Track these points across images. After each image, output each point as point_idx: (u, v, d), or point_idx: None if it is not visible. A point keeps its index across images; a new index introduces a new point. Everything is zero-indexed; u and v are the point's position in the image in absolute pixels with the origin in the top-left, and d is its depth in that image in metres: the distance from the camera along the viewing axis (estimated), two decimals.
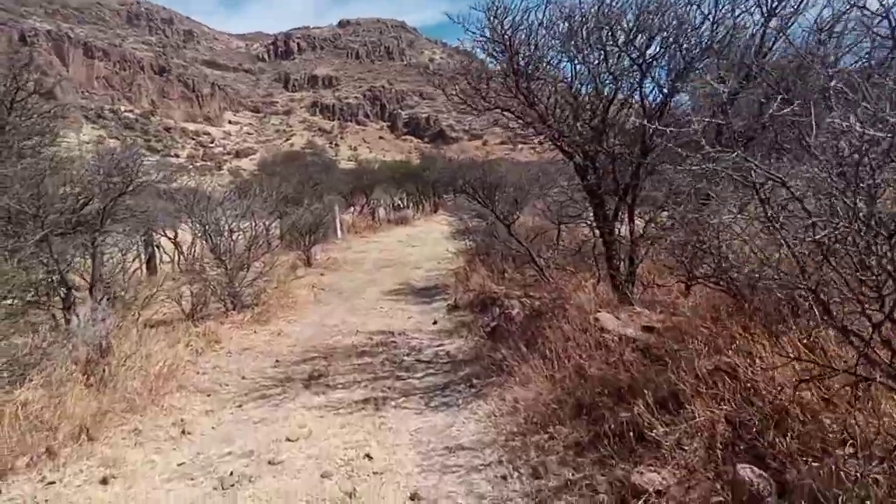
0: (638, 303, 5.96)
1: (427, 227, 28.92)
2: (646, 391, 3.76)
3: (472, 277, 10.64)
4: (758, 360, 3.42)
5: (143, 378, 5.98)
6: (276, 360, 7.55)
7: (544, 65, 5.43)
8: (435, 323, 9.24)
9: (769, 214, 2.65)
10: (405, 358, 7.23)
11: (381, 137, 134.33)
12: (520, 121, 5.92)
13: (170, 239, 14.48)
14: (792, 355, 3.15)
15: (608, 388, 4.21)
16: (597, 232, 7.38)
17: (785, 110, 3.22)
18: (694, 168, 3.12)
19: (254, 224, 11.21)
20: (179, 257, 14.09)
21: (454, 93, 5.81)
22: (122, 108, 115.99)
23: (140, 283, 9.53)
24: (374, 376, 6.50)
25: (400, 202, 34.23)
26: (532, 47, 5.29)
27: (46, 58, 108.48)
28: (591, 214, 6.48)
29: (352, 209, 30.01)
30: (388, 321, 9.63)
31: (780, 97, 3.60)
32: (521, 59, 5.31)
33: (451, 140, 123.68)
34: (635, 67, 5.19)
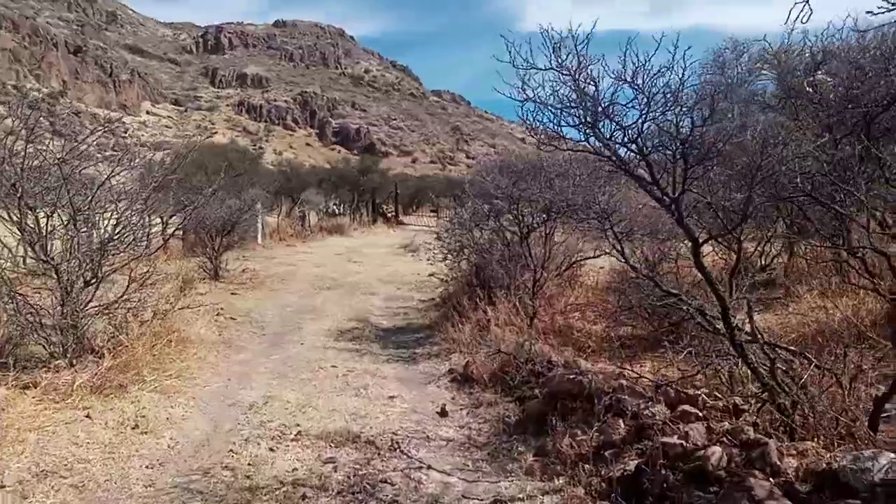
0: None
1: (367, 240, 24.44)
2: None
3: (491, 327, 6.38)
4: None
5: None
6: None
7: None
8: (443, 415, 4.92)
9: None
10: None
11: (308, 144, 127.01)
12: None
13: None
14: None
15: None
16: None
17: None
18: None
19: (117, 208, 6.38)
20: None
21: None
22: (28, 86, 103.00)
23: None
24: None
25: (335, 208, 29.42)
26: None
27: None
28: None
29: (277, 211, 24.95)
30: (352, 402, 5.21)
31: None
32: None
33: (380, 154, 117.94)
34: None
